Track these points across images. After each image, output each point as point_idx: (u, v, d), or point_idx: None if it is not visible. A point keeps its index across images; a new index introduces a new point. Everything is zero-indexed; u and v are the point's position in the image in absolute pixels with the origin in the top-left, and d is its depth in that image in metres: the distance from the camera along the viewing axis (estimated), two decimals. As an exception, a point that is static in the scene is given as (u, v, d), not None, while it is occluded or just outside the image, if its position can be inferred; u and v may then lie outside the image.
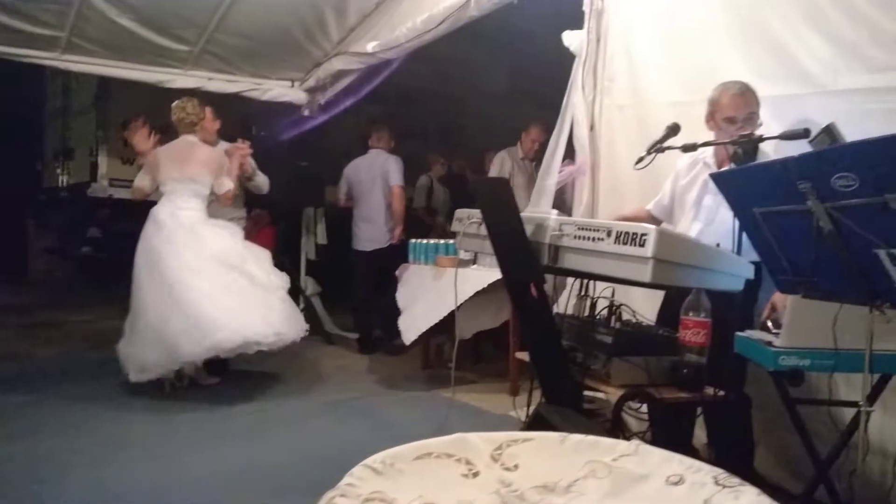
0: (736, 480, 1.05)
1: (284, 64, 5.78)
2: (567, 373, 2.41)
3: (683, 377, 2.33)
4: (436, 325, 4.27)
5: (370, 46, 4.88)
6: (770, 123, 2.61)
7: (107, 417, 3.57)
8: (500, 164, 5.51)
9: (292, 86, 6.03)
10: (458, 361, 5.23)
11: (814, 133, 2.06)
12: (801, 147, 2.09)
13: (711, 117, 2.69)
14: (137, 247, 4.07)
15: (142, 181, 4.30)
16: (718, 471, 1.09)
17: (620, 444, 1.20)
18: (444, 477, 1.10)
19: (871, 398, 2.06)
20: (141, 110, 4.28)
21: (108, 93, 7.36)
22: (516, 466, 1.13)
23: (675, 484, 1.07)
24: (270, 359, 4.47)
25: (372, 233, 5.70)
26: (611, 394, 2.39)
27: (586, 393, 2.52)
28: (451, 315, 3.88)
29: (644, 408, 2.74)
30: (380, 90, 5.73)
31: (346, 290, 6.14)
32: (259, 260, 4.24)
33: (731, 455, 2.53)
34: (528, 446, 1.18)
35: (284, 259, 5.83)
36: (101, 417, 3.56)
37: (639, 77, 3.51)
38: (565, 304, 2.73)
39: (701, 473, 1.07)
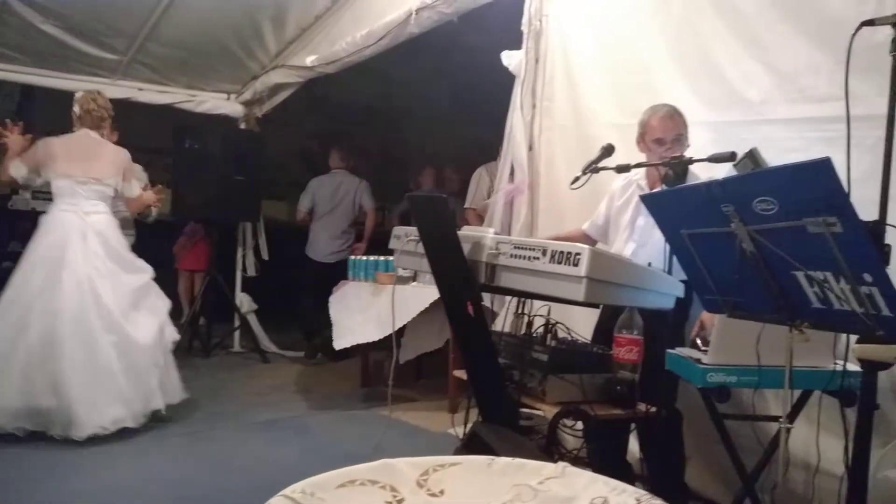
0: (657, 501, 1.06)
1: (220, 76, 5.66)
2: (503, 391, 2.41)
3: (617, 394, 2.37)
4: (374, 342, 4.22)
5: (309, 60, 4.83)
6: (711, 149, 2.72)
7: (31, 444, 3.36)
8: (478, 181, 5.38)
9: (228, 98, 5.91)
10: (398, 379, 5.19)
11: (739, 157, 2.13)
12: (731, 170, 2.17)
13: (642, 139, 2.76)
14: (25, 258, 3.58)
15: (17, 171, 3.69)
16: (641, 492, 1.10)
17: (547, 467, 1.19)
18: (368, 506, 1.07)
19: (793, 413, 2.15)
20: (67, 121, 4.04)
21: (33, 101, 7.04)
22: (442, 492, 1.11)
23: (599, 506, 1.08)
24: (203, 378, 4.34)
25: (331, 245, 5.96)
26: (546, 411, 2.40)
27: (525, 409, 2.54)
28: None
29: (580, 424, 2.76)
30: (318, 104, 5.68)
31: (286, 306, 6.02)
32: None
33: (663, 469, 2.58)
34: (454, 471, 1.16)
35: (218, 276, 5.70)
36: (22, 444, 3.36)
37: (579, 98, 3.58)
38: (502, 322, 2.74)
39: (624, 495, 1.08)
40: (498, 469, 1.19)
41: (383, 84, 7.38)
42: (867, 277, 1.30)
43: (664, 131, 2.69)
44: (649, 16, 3.23)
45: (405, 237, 2.72)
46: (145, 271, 3.84)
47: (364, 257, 4.91)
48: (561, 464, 1.20)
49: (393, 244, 2.86)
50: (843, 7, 2.51)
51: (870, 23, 1.63)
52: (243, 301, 6.07)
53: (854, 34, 1.60)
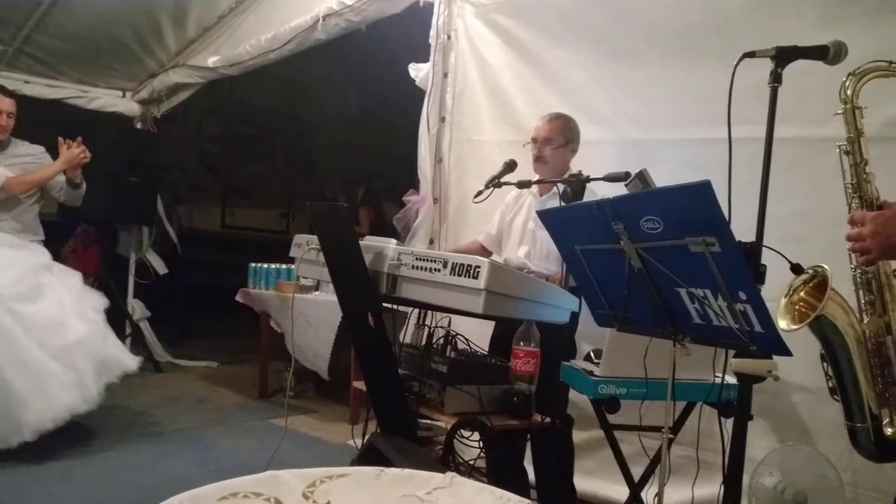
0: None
1: (115, 72, 5.38)
2: (403, 402, 2.40)
3: (514, 405, 2.40)
4: (273, 352, 4.12)
5: (211, 61, 4.68)
6: (617, 166, 2.82)
7: None
8: None
9: (123, 96, 5.63)
10: (300, 389, 5.10)
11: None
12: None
13: None
14: None
15: None
16: (525, 501, 1.11)
17: (436, 478, 1.19)
18: (249, 520, 1.03)
19: (677, 425, 2.25)
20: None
21: None
22: None
23: (485, 515, 1.09)
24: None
25: None
26: (445, 422, 2.40)
27: (425, 420, 2.53)
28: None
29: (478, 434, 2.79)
30: (222, 106, 5.51)
31: (182, 313, 5.77)
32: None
33: (554, 474, 2.66)
34: (343, 482, 1.14)
35: (110, 281, 5.39)
36: None
37: (491, 113, 3.62)
38: (403, 333, 2.74)
39: None
40: (387, 480, 1.18)
41: (291, 89, 7.25)
42: (742, 295, 1.38)
43: (536, 131, 2.89)
44: (561, 33, 3.31)
45: (306, 245, 2.67)
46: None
47: (265, 265, 4.78)
48: (449, 474, 1.20)
49: (293, 252, 2.80)
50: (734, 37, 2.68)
51: (751, 55, 1.74)
52: (136, 307, 5.77)
53: (737, 64, 1.70)
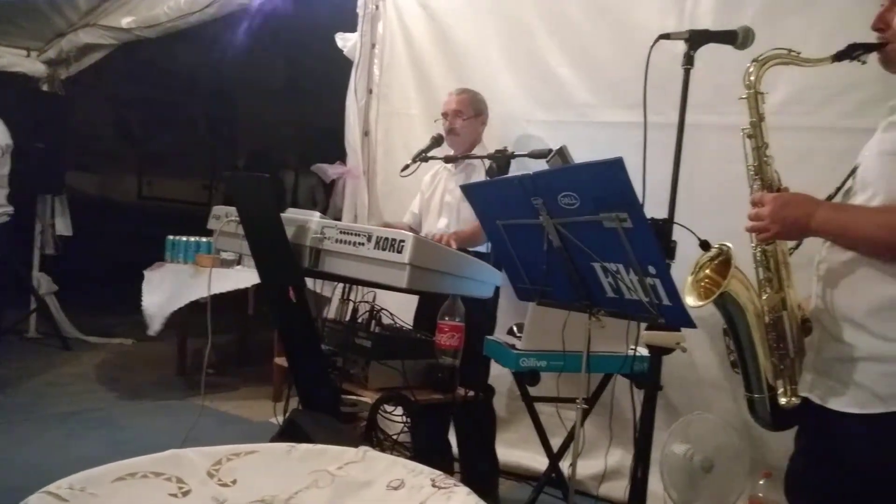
0: (451, 482, 1.09)
1: (19, 29, 5.00)
2: (325, 378, 2.37)
3: (438, 379, 2.42)
4: (193, 327, 3.96)
5: (125, 22, 4.43)
6: (537, 145, 2.82)
7: None
8: None
9: (28, 55, 5.26)
10: (221, 366, 4.97)
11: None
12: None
13: None
14: None
15: None
16: (437, 473, 1.12)
17: (348, 452, 1.19)
18: (148, 499, 0.99)
19: (595, 396, 2.32)
20: None
21: None
22: (234, 482, 1.07)
23: (396, 489, 1.09)
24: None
25: None
26: (368, 397, 2.40)
27: (351, 396, 2.52)
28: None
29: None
30: (136, 69, 5.23)
31: (92, 288, 5.50)
32: None
33: (477, 447, 2.71)
34: (250, 459, 1.12)
35: (12, 253, 5.09)
36: None
37: (418, 87, 3.58)
38: (326, 309, 2.71)
39: (420, 477, 1.10)
40: (297, 456, 1.16)
41: (213, 53, 6.96)
42: (652, 270, 1.42)
43: (445, 105, 2.95)
44: (484, 13, 3.31)
45: (225, 217, 2.59)
46: None
47: (184, 238, 4.61)
48: (362, 448, 1.20)
49: (212, 224, 2.71)
50: (647, 19, 2.75)
51: (666, 37, 1.79)
52: (41, 282, 5.47)
53: (651, 47, 1.75)
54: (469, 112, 2.91)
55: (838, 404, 1.40)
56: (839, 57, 1.47)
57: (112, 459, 1.10)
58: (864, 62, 1.46)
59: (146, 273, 4.44)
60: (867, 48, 1.45)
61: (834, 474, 1.44)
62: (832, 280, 1.45)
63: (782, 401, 1.48)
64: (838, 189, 1.50)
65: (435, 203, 3.00)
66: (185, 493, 1.01)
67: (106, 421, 3.66)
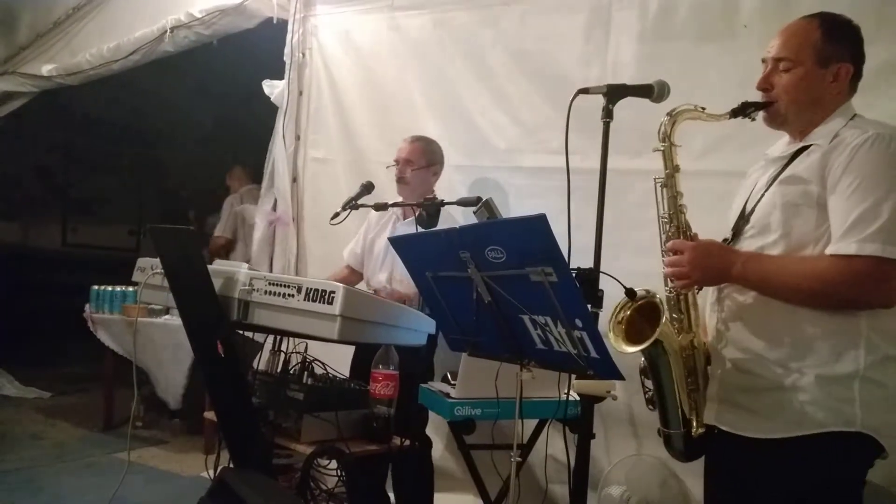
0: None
1: (-66, 76, 4.81)
2: (256, 433, 2.30)
3: (373, 429, 2.38)
4: (119, 380, 3.82)
5: (46, 69, 4.31)
6: (464, 191, 2.89)
7: None
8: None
9: (-57, 103, 5.04)
10: (151, 419, 4.76)
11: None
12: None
13: None
14: None
15: None
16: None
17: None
18: None
19: (531, 441, 2.33)
20: None
21: None
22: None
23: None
24: None
25: None
26: (302, 451, 2.33)
27: (285, 448, 2.44)
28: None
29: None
30: (60, 115, 5.08)
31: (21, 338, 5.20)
32: None
33: (414, 494, 2.68)
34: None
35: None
36: None
37: (348, 134, 3.60)
38: (257, 361, 2.64)
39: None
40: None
41: (140, 99, 6.83)
42: (578, 322, 1.45)
43: (398, 152, 2.92)
44: (408, 59, 3.37)
45: (150, 269, 2.52)
46: None
47: (109, 288, 4.44)
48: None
49: (136, 277, 2.63)
50: (570, 68, 2.84)
51: (585, 91, 1.85)
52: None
53: (571, 101, 1.81)
54: (420, 162, 2.87)
55: (745, 431, 1.50)
56: (735, 113, 1.60)
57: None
58: (753, 119, 1.60)
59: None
60: (757, 107, 1.59)
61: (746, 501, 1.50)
62: (736, 314, 1.56)
63: (698, 431, 1.58)
64: (735, 235, 1.61)
65: (378, 250, 2.97)
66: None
67: (25, 484, 3.44)
